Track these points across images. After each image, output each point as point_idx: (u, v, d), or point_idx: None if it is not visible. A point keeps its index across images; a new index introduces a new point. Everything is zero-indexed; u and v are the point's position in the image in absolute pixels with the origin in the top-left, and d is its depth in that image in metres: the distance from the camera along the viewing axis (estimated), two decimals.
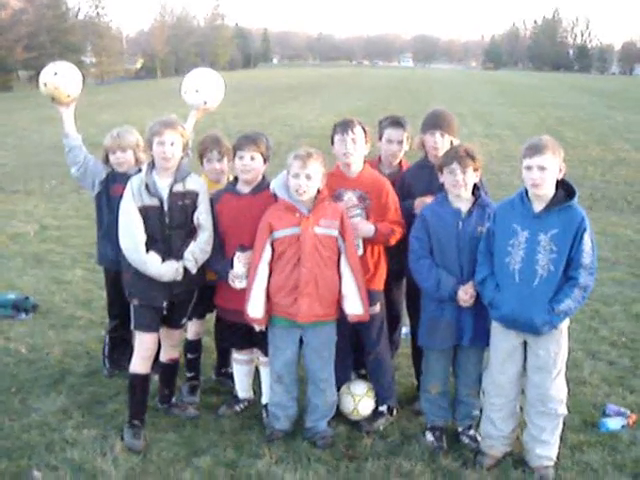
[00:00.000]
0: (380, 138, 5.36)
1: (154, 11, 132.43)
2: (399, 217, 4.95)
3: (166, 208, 4.68)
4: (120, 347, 5.71)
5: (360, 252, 4.89)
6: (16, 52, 57.85)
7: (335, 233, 4.67)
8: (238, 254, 4.70)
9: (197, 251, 4.77)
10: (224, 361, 5.70)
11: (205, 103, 5.54)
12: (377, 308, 5.01)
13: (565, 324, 4.36)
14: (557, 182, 4.24)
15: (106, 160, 5.50)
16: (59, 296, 7.71)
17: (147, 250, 4.65)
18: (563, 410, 4.46)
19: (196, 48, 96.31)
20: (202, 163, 5.38)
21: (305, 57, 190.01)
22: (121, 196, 4.72)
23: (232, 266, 4.75)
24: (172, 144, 4.62)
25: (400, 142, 5.30)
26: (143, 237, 4.64)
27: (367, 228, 4.83)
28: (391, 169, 5.37)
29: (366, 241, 4.90)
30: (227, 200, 4.92)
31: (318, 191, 4.67)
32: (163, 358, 5.16)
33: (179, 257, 4.73)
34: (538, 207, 4.25)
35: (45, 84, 5.25)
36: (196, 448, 4.72)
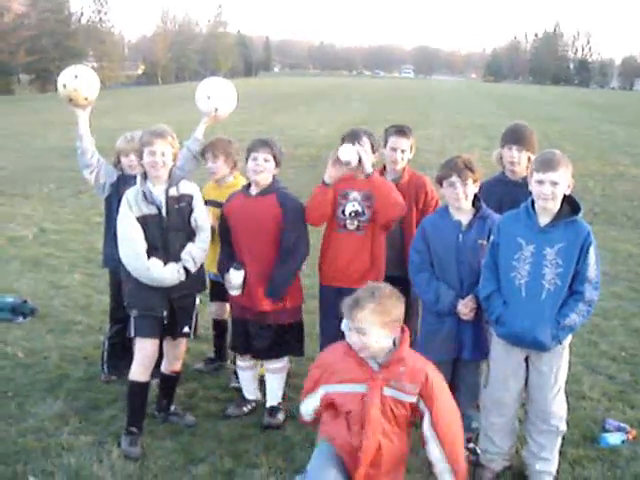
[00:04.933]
0: (385, 145, 5.45)
1: (156, 17, 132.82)
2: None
3: (164, 213, 4.73)
4: (120, 352, 5.69)
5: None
6: (18, 56, 58.03)
7: (413, 399, 3.76)
8: (232, 271, 4.95)
9: (194, 250, 4.83)
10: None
11: (216, 110, 5.58)
12: None
13: (568, 339, 4.33)
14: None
15: (117, 162, 5.60)
16: (57, 300, 7.68)
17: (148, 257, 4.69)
18: (563, 427, 4.44)
19: (198, 55, 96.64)
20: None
21: (306, 66, 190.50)
22: None
23: (228, 272, 4.99)
24: (163, 154, 4.70)
25: (403, 150, 5.37)
26: (144, 245, 4.68)
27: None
28: (394, 175, 5.43)
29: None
30: (236, 200, 5.08)
31: (394, 343, 3.80)
32: (165, 369, 5.15)
33: (178, 260, 4.78)
34: (544, 221, 4.21)
35: (64, 85, 5.34)
36: (193, 456, 4.68)
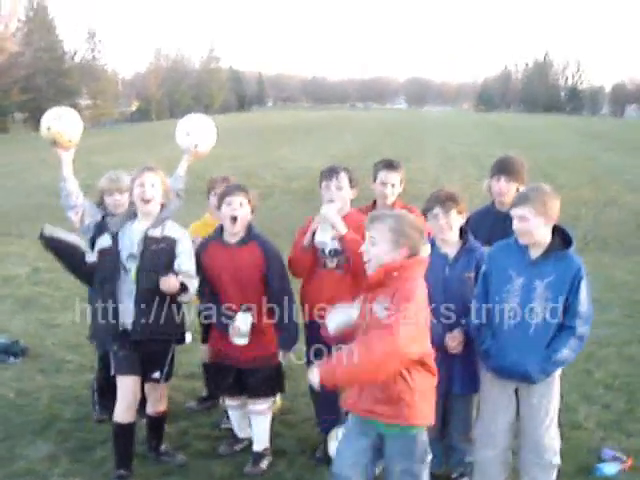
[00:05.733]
0: (374, 180, 5.44)
1: (149, 54, 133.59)
2: None
3: (137, 251, 4.66)
4: (108, 393, 5.62)
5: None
6: (12, 94, 58.22)
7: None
8: (241, 315, 4.73)
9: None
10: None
11: (196, 147, 5.56)
12: None
13: (558, 371, 4.31)
14: (554, 228, 4.20)
15: (100, 202, 5.53)
16: (49, 340, 7.64)
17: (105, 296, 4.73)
18: (557, 460, 4.38)
19: (191, 91, 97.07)
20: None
21: (299, 100, 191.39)
22: None
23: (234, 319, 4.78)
24: (152, 185, 4.70)
25: (393, 184, 5.37)
26: None
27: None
28: (384, 209, 5.41)
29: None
30: (213, 250, 4.93)
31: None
32: (149, 411, 5.08)
33: (147, 299, 4.65)
34: (535, 253, 4.20)
35: (49, 128, 5.27)
36: None
